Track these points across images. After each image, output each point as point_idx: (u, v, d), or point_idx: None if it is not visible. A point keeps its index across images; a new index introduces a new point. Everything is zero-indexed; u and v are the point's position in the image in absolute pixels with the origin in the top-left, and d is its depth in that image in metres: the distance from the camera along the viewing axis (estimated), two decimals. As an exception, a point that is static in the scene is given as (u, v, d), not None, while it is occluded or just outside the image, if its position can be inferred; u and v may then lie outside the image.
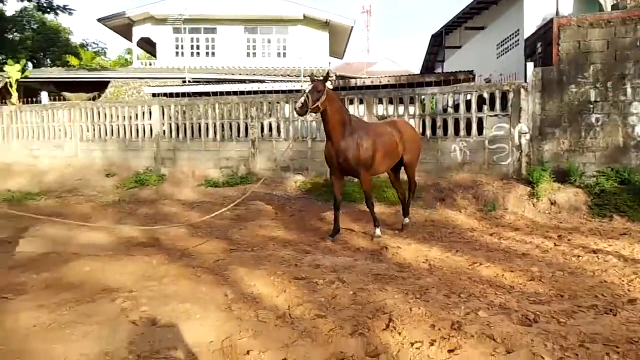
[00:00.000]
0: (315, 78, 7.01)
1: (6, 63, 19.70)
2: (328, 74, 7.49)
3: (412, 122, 11.46)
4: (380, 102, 11.83)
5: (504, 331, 3.66)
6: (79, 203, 10.94)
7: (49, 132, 14.70)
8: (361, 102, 11.87)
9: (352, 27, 24.00)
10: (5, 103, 17.13)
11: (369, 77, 16.14)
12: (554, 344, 3.42)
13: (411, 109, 11.51)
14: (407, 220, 8.29)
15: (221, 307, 4.33)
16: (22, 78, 18.35)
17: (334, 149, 7.17)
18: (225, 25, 22.84)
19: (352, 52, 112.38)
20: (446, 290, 4.75)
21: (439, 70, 25.66)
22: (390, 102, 11.73)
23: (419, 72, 29.45)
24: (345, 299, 4.51)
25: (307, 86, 6.98)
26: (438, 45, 25.30)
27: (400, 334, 3.70)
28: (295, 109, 6.83)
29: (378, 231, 7.44)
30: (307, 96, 6.72)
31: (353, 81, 15.00)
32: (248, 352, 3.46)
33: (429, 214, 9.26)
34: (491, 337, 3.57)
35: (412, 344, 3.51)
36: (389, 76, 15.03)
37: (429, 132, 11.22)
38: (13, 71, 17.91)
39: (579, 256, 6.22)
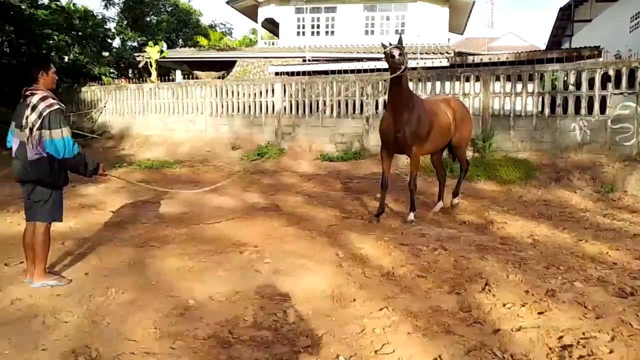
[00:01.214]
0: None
1: (146, 44, 21.67)
2: (401, 39, 6.70)
3: (529, 99, 11.25)
4: (497, 79, 11.66)
5: (596, 300, 3.85)
6: (208, 172, 12.08)
7: (182, 107, 16.10)
8: (477, 79, 11.77)
9: (474, 2, 23.32)
10: (145, 81, 18.98)
11: (487, 54, 15.88)
12: (647, 315, 3.55)
13: (529, 86, 11.26)
14: (456, 200, 7.87)
15: (332, 263, 4.91)
16: (160, 58, 20.15)
17: (393, 122, 6.74)
18: (344, 3, 23.28)
19: (474, 26, 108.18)
20: (545, 262, 4.92)
21: (566, 45, 24.37)
22: (508, 79, 11.52)
23: (544, 47, 28.13)
24: (445, 264, 4.87)
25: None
26: (566, 18, 24.05)
27: (494, 295, 4.02)
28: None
29: (412, 215, 6.94)
30: (405, 54, 6.40)
31: (470, 58, 14.87)
32: (354, 300, 3.98)
33: (541, 193, 9.17)
34: (582, 303, 3.78)
35: (504, 304, 3.83)
36: (508, 52, 14.73)
37: (547, 110, 10.93)
38: (153, 52, 19.75)
39: (698, 240, 6.01)
